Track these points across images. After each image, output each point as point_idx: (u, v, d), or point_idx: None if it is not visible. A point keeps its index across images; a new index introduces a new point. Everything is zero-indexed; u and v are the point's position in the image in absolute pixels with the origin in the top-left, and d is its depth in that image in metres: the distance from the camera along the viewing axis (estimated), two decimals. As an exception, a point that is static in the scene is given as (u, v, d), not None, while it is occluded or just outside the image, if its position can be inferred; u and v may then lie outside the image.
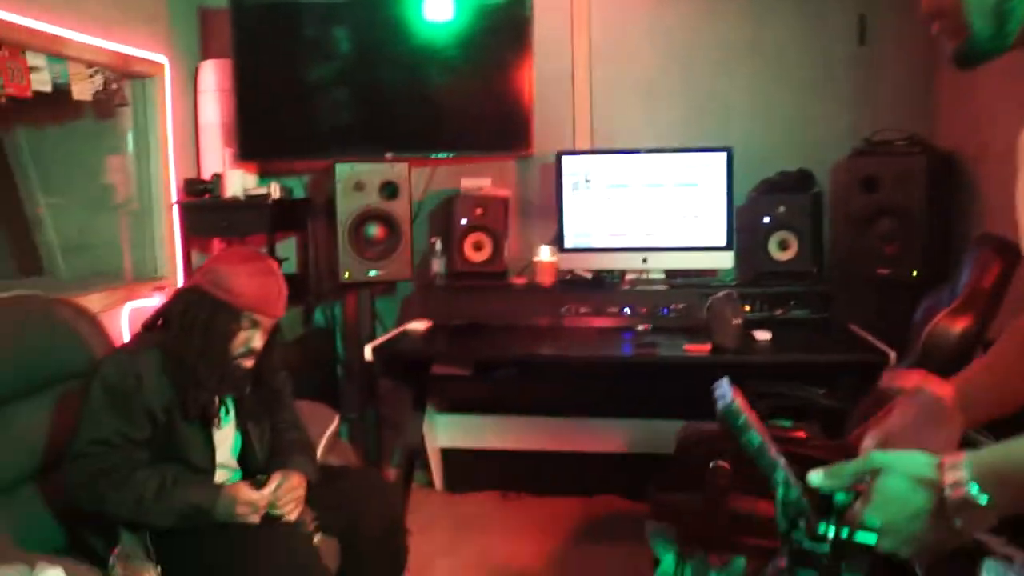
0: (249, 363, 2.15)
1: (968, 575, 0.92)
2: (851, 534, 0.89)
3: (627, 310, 3.40)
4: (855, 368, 2.87)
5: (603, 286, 3.51)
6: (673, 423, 2.81)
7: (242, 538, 2.01)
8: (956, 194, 3.34)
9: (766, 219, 3.39)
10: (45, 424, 2.27)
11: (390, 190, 3.49)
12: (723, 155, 3.40)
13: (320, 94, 3.77)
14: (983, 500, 0.87)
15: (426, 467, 3.86)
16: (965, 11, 0.98)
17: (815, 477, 0.93)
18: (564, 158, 3.50)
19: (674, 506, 2.49)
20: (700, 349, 2.95)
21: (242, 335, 2.11)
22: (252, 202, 3.60)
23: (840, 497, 0.94)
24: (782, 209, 3.40)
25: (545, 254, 3.55)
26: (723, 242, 3.41)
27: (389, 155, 3.58)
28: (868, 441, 1.18)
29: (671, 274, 3.53)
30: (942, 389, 1.19)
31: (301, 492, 2.16)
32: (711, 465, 2.35)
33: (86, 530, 2.09)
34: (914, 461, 0.94)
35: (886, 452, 0.97)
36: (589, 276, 3.56)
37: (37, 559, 1.60)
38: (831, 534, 0.89)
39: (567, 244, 3.51)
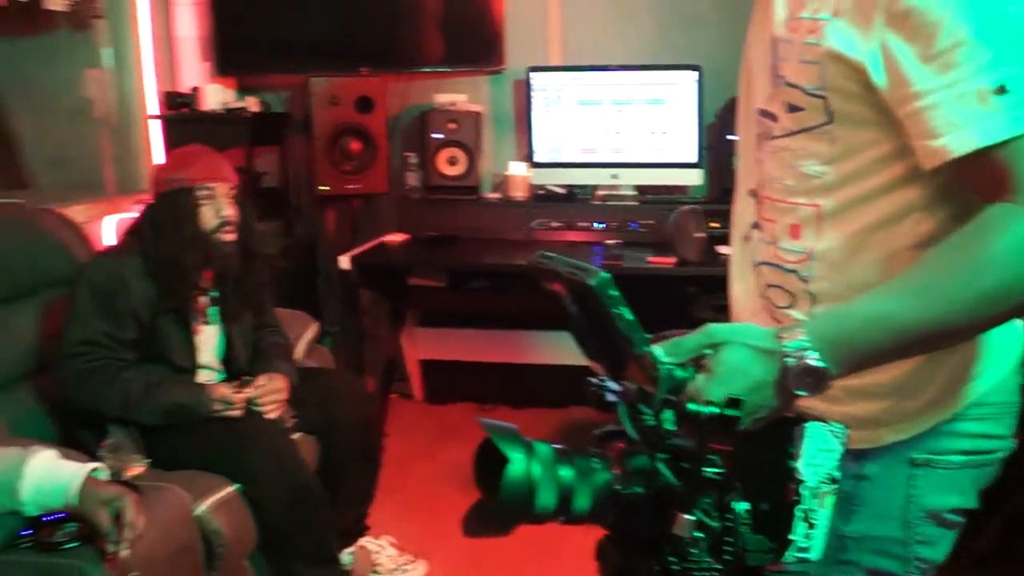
0: (230, 235, 2.24)
1: (789, 439, 0.92)
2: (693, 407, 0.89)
3: (598, 225, 3.48)
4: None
5: (574, 201, 3.60)
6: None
7: (225, 431, 2.13)
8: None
9: (733, 136, 3.45)
10: (34, 327, 2.37)
11: (365, 104, 3.54)
12: (694, 73, 3.44)
13: (297, 7, 3.77)
14: (823, 366, 0.88)
15: (406, 379, 3.99)
16: None
17: (657, 352, 0.89)
18: (533, 74, 3.55)
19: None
20: (664, 262, 3.04)
21: (206, 208, 2.21)
22: (231, 116, 3.64)
23: (679, 373, 0.93)
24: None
25: (517, 169, 3.62)
26: (693, 159, 3.48)
27: (364, 70, 3.61)
28: None
29: (642, 190, 3.60)
30: None
31: (284, 394, 2.28)
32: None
33: (77, 426, 2.20)
34: (753, 332, 0.93)
35: (725, 325, 0.95)
36: (561, 191, 3.63)
37: (32, 443, 1.71)
38: (705, 411, 0.88)
39: (538, 159, 3.58)
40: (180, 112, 3.65)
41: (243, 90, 3.91)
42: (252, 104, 3.70)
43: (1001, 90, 0.87)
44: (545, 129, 3.57)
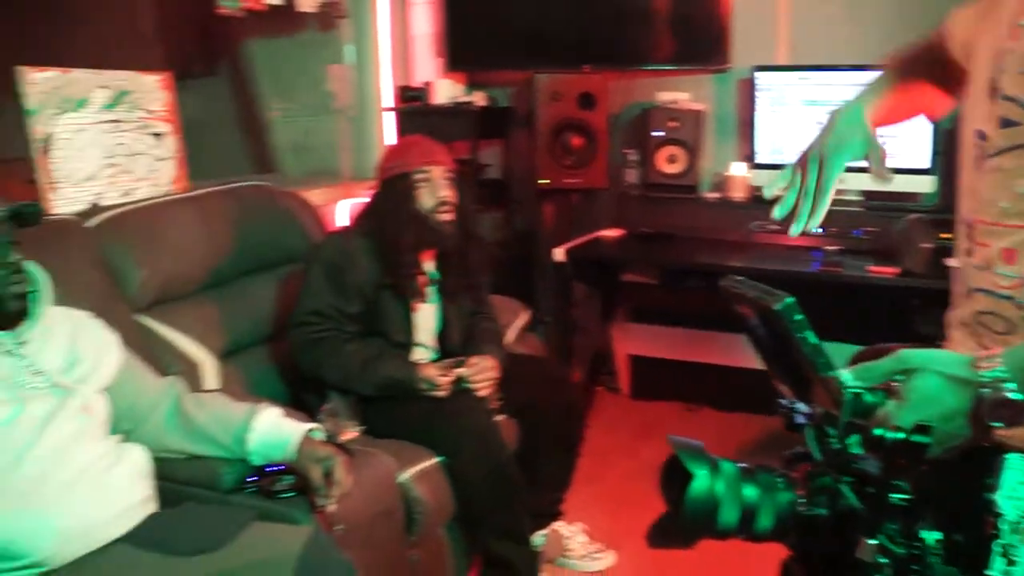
0: (447, 215, 2.35)
1: (987, 471, 0.88)
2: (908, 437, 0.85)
3: (819, 230, 3.35)
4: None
5: (796, 203, 3.47)
6: (856, 349, 2.79)
7: (434, 407, 2.23)
8: None
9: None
10: (272, 297, 2.60)
11: (587, 101, 3.59)
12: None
13: (525, 7, 3.88)
14: (1021, 398, 0.83)
15: (613, 373, 4.02)
16: None
17: (845, 376, 0.88)
18: (759, 74, 3.46)
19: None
20: (885, 271, 2.89)
21: (423, 190, 2.34)
22: (458, 109, 3.81)
23: (868, 397, 0.88)
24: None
25: (738, 169, 3.55)
26: (925, 164, 3.27)
27: (586, 67, 3.66)
28: None
29: (868, 196, 3.44)
30: None
31: (494, 375, 2.36)
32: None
33: (303, 388, 2.38)
34: (948, 359, 0.89)
35: (918, 350, 0.91)
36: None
37: (262, 401, 1.87)
38: (889, 436, 0.85)
39: (759, 160, 3.49)
40: (412, 105, 3.85)
41: (472, 85, 4.07)
42: (479, 99, 3.85)
43: None
44: (768, 129, 3.47)
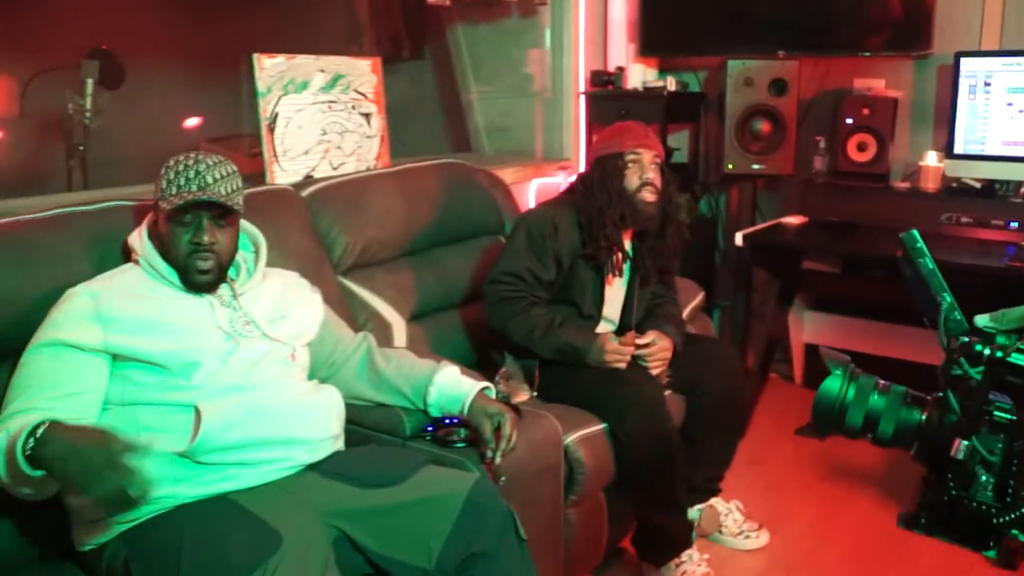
0: (651, 196, 2.47)
1: None
2: (1006, 355, 0.93)
3: (1015, 224, 3.22)
4: None
5: (992, 196, 3.35)
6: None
7: (604, 376, 2.36)
8: None
9: None
10: (461, 268, 2.83)
11: (779, 87, 3.61)
12: None
13: (720, -7, 3.92)
14: None
15: (788, 361, 4.01)
16: None
17: (980, 319, 0.97)
18: (963, 59, 3.34)
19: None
20: (1083, 269, 2.76)
21: (631, 170, 2.46)
22: (649, 94, 3.90)
23: (1001, 339, 0.96)
24: None
25: (931, 159, 3.46)
26: None
27: (781, 53, 3.66)
28: None
29: (1077, 189, 3.27)
30: None
31: (668, 354, 2.47)
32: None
33: (490, 347, 2.58)
34: None
35: None
36: (978, 185, 3.41)
37: (443, 360, 2.08)
38: (987, 352, 0.93)
39: (956, 150, 3.38)
40: (605, 89, 3.98)
41: (664, 70, 4.16)
42: (670, 83, 3.92)
43: None
44: (968, 119, 3.36)
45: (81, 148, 3.29)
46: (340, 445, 1.85)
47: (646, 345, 2.42)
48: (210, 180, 1.71)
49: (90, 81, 3.26)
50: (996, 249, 3.09)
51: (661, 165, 2.51)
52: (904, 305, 3.60)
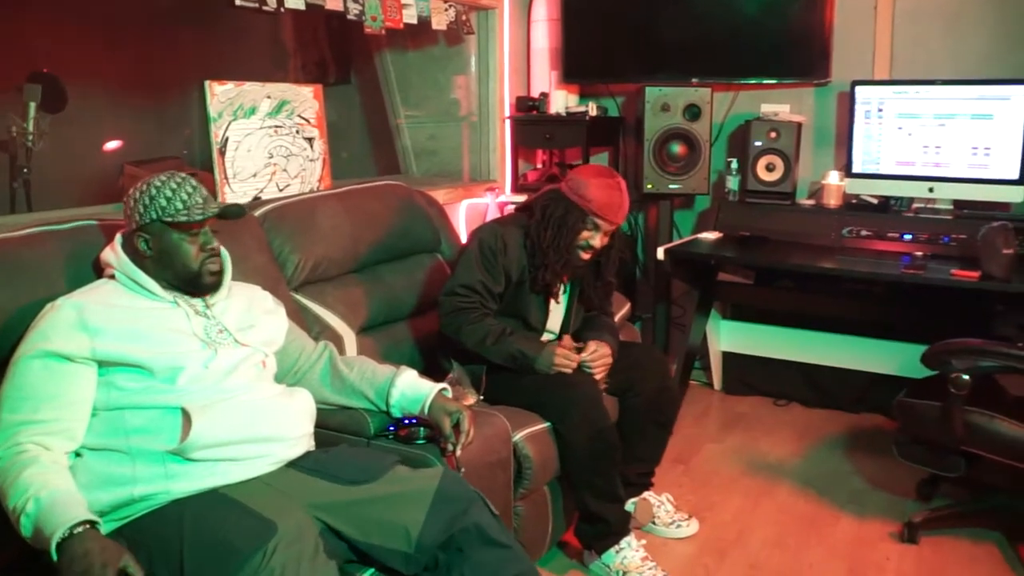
0: (587, 256, 2.64)
1: None
2: None
3: (908, 236, 3.52)
4: None
5: (887, 211, 3.67)
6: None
7: (547, 379, 2.54)
8: None
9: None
10: (405, 282, 2.99)
11: (693, 112, 3.87)
12: (1027, 87, 3.40)
13: (635, 24, 4.17)
14: None
15: (707, 368, 4.27)
16: None
17: None
18: (857, 87, 3.67)
19: (913, 409, 2.73)
20: (968, 275, 3.05)
21: (585, 233, 2.60)
22: (571, 119, 4.12)
23: None
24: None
25: (833, 178, 3.77)
26: (1015, 175, 3.42)
27: (694, 80, 3.93)
28: None
29: (959, 205, 3.60)
30: None
31: (610, 360, 2.66)
32: (951, 376, 2.57)
33: (440, 354, 2.72)
34: None
35: None
36: (875, 201, 3.72)
37: (401, 366, 2.22)
38: None
39: (855, 169, 3.69)
40: (529, 114, 4.19)
41: (585, 96, 4.39)
42: (591, 109, 4.15)
43: None
44: (864, 141, 3.68)
45: (25, 171, 3.33)
46: (312, 444, 1.98)
47: (592, 353, 2.61)
48: (206, 195, 1.88)
49: (32, 104, 3.31)
50: (893, 259, 3.37)
51: (615, 231, 2.66)
52: (812, 312, 3.93)
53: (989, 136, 3.46)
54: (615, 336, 2.78)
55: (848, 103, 3.72)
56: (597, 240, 2.61)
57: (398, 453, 2.02)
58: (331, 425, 2.14)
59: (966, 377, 2.55)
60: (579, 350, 2.61)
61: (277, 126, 2.99)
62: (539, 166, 4.47)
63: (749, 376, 4.16)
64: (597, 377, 2.61)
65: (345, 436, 2.12)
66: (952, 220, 3.52)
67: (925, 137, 3.57)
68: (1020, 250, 3.09)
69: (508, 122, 4.23)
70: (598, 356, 2.61)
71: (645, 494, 2.84)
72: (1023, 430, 2.56)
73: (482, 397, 2.60)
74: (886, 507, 3.04)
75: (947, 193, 3.57)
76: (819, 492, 3.15)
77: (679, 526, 2.84)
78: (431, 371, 2.71)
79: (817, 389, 4.00)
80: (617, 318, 3.11)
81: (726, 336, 4.16)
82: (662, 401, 2.80)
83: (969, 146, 3.50)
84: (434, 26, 3.69)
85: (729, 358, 4.19)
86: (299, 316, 2.52)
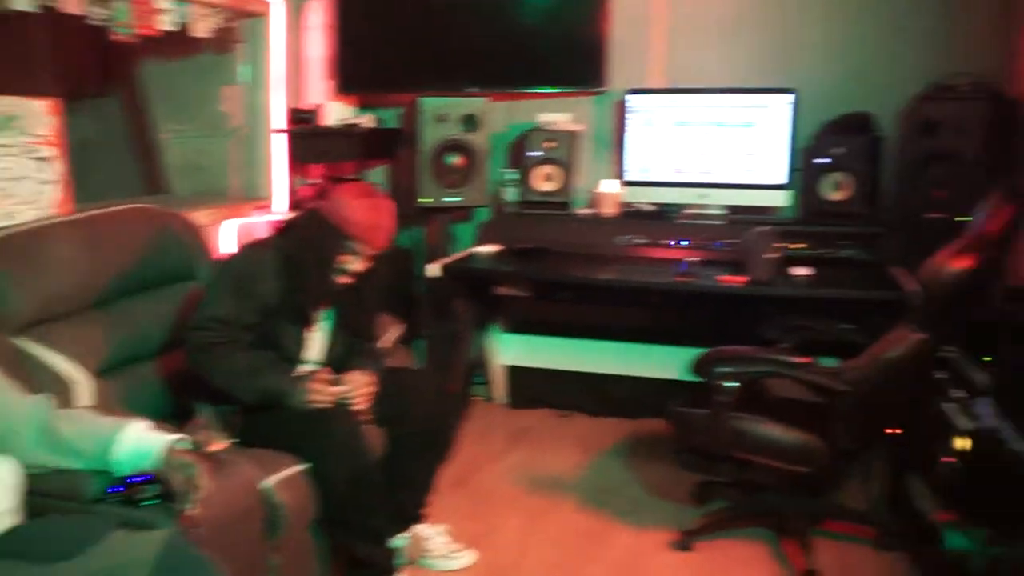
0: (346, 280, 2.49)
1: None
2: None
3: (684, 242, 3.60)
4: (881, 306, 3.01)
5: (662, 219, 3.73)
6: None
7: (300, 417, 2.38)
8: (1018, 142, 3.35)
9: (821, 160, 3.53)
10: (154, 316, 2.73)
11: (470, 122, 3.80)
12: (789, 96, 3.54)
13: (411, 32, 4.07)
14: None
15: (490, 383, 4.23)
16: None
17: None
18: (630, 96, 3.72)
19: (683, 418, 2.76)
20: (734, 280, 3.14)
21: (348, 256, 2.45)
22: (346, 131, 3.98)
23: None
24: (838, 150, 3.52)
25: (608, 186, 3.80)
26: (781, 181, 3.56)
27: (472, 90, 3.87)
28: None
29: (733, 210, 3.71)
30: None
31: (372, 388, 2.52)
32: (716, 384, 2.62)
33: (192, 395, 2.50)
34: None
35: None
36: (650, 209, 3.78)
37: (133, 417, 2.01)
38: None
39: (628, 178, 3.75)
40: (302, 127, 4.00)
41: (363, 107, 4.25)
42: (368, 121, 4.02)
43: None
44: (638, 149, 3.73)
45: None
46: (16, 520, 1.75)
47: (350, 384, 2.47)
48: None
49: None
50: (669, 266, 3.43)
51: (376, 256, 2.51)
52: (591, 322, 3.96)
53: (755, 143, 3.59)
54: (379, 363, 2.66)
55: (623, 112, 3.76)
56: (357, 264, 2.48)
57: (120, 516, 1.82)
58: (43, 490, 1.89)
59: (734, 384, 2.60)
60: (337, 382, 2.47)
61: (3, 145, 2.68)
62: (317, 181, 4.29)
63: (534, 389, 4.14)
64: (359, 408, 2.47)
65: (59, 503, 1.89)
66: (724, 225, 3.62)
67: (698, 144, 3.66)
68: (785, 253, 3.21)
69: (281, 136, 4.03)
70: (358, 385, 2.48)
71: (416, 528, 2.74)
72: (784, 432, 2.64)
73: (237, 440, 2.41)
74: (664, 515, 3.07)
75: (720, 199, 3.67)
76: (599, 505, 3.15)
77: (452, 558, 2.75)
78: (182, 415, 2.51)
79: (602, 398, 4.03)
80: (387, 342, 3.00)
81: (508, 350, 4.13)
82: (436, 426, 2.70)
83: (738, 153, 3.62)
84: (195, 33, 3.44)
85: (514, 372, 4.16)
86: (15, 367, 2.24)
